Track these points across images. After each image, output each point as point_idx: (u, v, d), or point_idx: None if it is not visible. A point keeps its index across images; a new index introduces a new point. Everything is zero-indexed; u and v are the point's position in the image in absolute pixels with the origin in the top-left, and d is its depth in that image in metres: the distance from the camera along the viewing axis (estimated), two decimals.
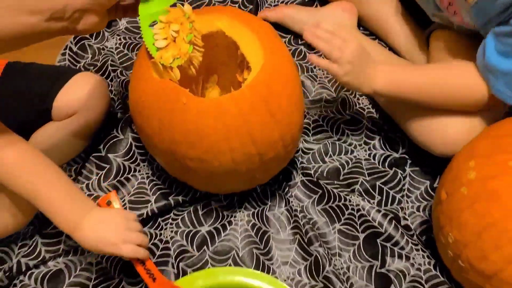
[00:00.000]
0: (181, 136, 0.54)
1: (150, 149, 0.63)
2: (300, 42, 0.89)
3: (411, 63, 0.79)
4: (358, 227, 0.69)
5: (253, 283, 0.61)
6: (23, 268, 0.66)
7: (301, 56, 0.87)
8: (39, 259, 0.66)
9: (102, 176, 0.72)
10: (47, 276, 0.66)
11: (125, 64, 0.85)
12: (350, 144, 0.77)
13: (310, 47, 0.87)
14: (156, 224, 0.70)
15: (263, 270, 0.66)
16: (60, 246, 0.67)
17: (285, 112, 0.57)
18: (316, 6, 0.93)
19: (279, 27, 0.90)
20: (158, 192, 0.71)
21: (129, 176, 0.73)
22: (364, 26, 0.90)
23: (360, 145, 0.77)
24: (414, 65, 0.74)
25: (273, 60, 0.56)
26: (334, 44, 0.63)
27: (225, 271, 0.63)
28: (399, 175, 0.73)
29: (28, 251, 0.67)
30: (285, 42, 0.89)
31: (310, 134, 0.78)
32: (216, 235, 0.69)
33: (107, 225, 0.56)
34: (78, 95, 0.69)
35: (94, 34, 0.89)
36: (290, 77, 0.58)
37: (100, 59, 0.85)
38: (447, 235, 0.57)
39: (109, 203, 0.61)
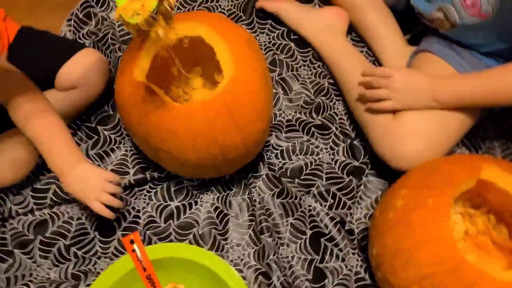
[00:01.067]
0: (155, 131, 0.62)
1: (130, 134, 0.70)
2: (292, 37, 0.93)
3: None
4: (307, 224, 0.78)
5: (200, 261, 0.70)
6: (14, 214, 0.77)
7: (290, 53, 0.92)
8: (28, 209, 0.77)
9: (90, 145, 0.81)
10: (33, 223, 0.77)
11: (123, 38, 0.91)
12: (317, 147, 0.83)
13: (301, 45, 0.92)
14: (133, 193, 0.79)
15: (217, 249, 0.76)
16: (47, 201, 0.78)
17: (248, 120, 0.64)
18: (315, 6, 0.96)
19: (274, 19, 0.94)
20: (137, 166, 0.80)
21: (114, 147, 0.81)
22: (356, 33, 0.93)
23: (326, 149, 0.84)
24: (470, 74, 0.73)
25: (241, 73, 0.62)
26: (380, 84, 0.73)
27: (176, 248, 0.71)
28: (354, 183, 0.81)
29: (20, 200, 0.77)
30: (277, 35, 0.93)
31: (282, 132, 0.85)
32: (182, 212, 0.78)
33: (87, 182, 0.68)
34: (80, 70, 0.76)
35: (100, 2, 0.94)
36: (256, 88, 0.64)
37: (102, 30, 0.91)
38: (373, 248, 0.66)
39: (132, 242, 0.69)
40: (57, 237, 0.76)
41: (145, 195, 0.79)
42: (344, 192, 0.80)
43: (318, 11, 0.91)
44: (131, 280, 0.71)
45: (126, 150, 0.81)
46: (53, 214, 0.78)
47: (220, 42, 0.62)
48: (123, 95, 0.64)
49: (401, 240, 0.59)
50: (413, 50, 0.85)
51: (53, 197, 0.77)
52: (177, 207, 0.79)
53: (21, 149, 0.72)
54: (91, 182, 0.69)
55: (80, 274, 0.74)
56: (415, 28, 0.91)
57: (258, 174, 0.81)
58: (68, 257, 0.76)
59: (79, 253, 0.76)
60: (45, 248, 0.76)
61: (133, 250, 0.70)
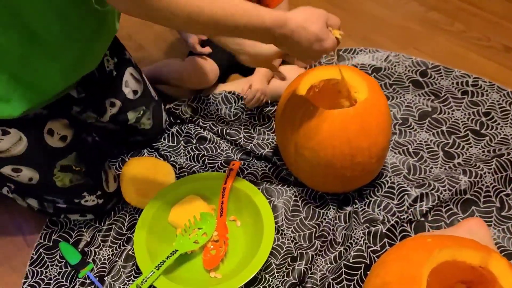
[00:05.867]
0: (303, 130, 0.86)
1: (282, 143, 0.96)
2: None
3: None
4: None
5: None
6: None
7: None
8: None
9: None
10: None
11: None
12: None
13: None
14: None
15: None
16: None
17: (374, 131, 0.86)
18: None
19: None
20: None
21: None
22: None
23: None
24: None
25: (373, 98, 0.86)
26: None
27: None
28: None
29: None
30: None
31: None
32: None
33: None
34: None
35: None
36: (382, 110, 0.88)
37: None
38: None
39: (230, 170, 1.00)
40: None
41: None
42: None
43: (455, 227, 0.88)
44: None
45: None
46: None
47: (361, 81, 0.89)
48: (283, 105, 0.93)
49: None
50: None
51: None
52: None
53: (204, 63, 1.17)
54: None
55: None
56: None
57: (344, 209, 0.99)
58: None
59: None
60: None
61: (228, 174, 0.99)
